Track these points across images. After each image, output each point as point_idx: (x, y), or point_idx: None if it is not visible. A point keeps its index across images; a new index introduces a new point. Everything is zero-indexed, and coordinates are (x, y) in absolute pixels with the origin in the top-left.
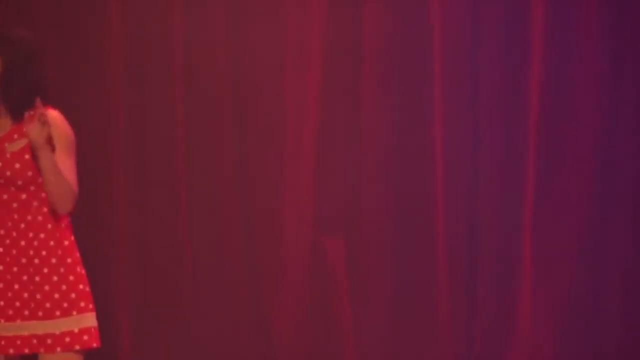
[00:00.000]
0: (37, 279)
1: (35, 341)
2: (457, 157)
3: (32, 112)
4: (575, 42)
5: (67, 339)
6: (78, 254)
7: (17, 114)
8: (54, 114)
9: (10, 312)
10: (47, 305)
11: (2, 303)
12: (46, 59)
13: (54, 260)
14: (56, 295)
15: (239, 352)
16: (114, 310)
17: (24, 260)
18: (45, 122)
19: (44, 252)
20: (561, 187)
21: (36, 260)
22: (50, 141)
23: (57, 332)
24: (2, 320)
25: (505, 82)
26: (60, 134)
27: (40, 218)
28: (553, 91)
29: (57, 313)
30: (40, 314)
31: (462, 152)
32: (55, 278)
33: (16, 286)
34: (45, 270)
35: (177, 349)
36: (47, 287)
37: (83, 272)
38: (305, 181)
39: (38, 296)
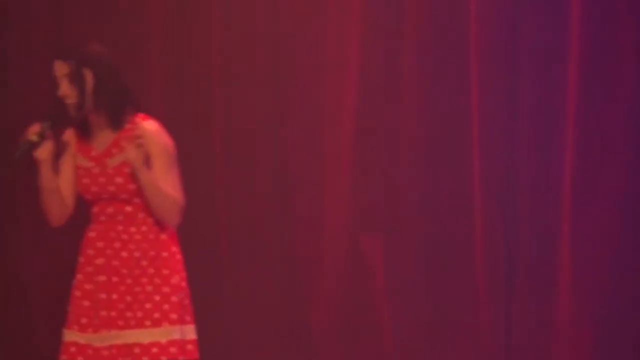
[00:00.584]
0: (136, 289)
1: (134, 350)
2: (494, 156)
3: (129, 126)
4: (614, 34)
5: (154, 350)
6: (180, 266)
7: (116, 123)
8: (151, 127)
9: (84, 320)
10: (139, 314)
11: (104, 313)
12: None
13: (151, 271)
14: (148, 305)
15: (279, 352)
16: None
17: (124, 271)
18: (140, 145)
19: (144, 263)
20: (600, 185)
21: (136, 271)
22: (146, 160)
23: (145, 342)
24: (72, 330)
25: (543, 80)
26: (159, 150)
27: (144, 228)
28: (592, 85)
29: (148, 323)
30: (132, 323)
31: (499, 151)
32: (149, 288)
33: (114, 296)
34: (144, 280)
35: (218, 351)
36: (141, 297)
37: (182, 284)
38: (343, 181)
39: (135, 306)
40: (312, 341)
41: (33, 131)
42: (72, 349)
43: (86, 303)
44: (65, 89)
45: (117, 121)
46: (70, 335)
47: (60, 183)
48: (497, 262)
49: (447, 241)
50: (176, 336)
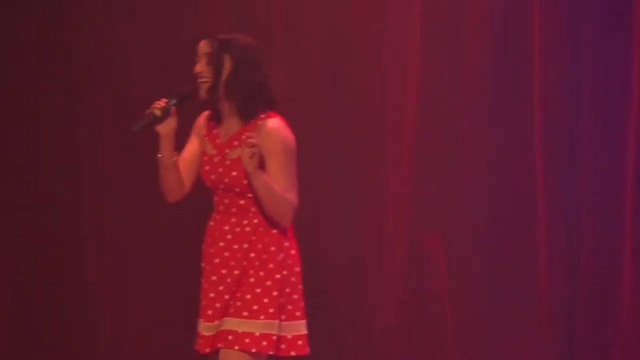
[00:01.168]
0: (242, 280)
1: (228, 336)
2: (557, 155)
3: (256, 122)
4: None
5: (247, 340)
6: (291, 261)
7: (244, 115)
8: (272, 125)
9: (210, 312)
10: (238, 304)
11: (204, 303)
12: (272, 70)
13: (257, 263)
14: (248, 297)
15: (341, 351)
16: None
17: (232, 263)
18: (254, 154)
19: (252, 255)
20: None
21: (244, 263)
22: (263, 159)
23: (239, 331)
24: (202, 320)
25: (606, 81)
26: (277, 149)
27: (255, 222)
28: None
29: (245, 314)
30: (231, 311)
31: (563, 150)
32: (252, 280)
33: (220, 288)
34: (251, 272)
35: None
36: (244, 288)
37: (291, 279)
38: (404, 181)
39: (237, 295)
40: (374, 342)
41: (158, 105)
42: (200, 341)
43: (212, 295)
44: (201, 67)
45: (245, 113)
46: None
47: (180, 162)
48: (560, 262)
49: (508, 241)
50: (271, 330)
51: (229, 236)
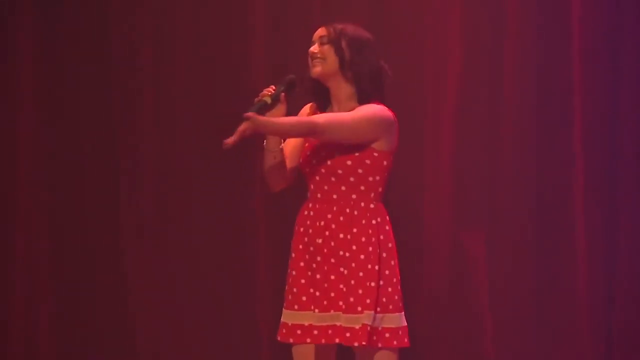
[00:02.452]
0: (345, 272)
1: (348, 334)
2: (597, 151)
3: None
4: None
5: (348, 334)
6: (391, 253)
7: (361, 98)
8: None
9: (325, 302)
10: (351, 299)
11: (317, 294)
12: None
13: (362, 256)
14: (360, 291)
15: None
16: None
17: (341, 253)
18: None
19: (354, 247)
20: None
21: (347, 254)
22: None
23: (357, 327)
24: (317, 311)
25: None
26: (364, 110)
27: (356, 212)
28: None
29: (359, 309)
30: (342, 306)
31: (602, 146)
32: (361, 274)
33: (332, 277)
34: (353, 265)
35: None
36: (352, 282)
37: (389, 271)
38: (444, 177)
39: (344, 289)
40: (414, 340)
41: (268, 93)
42: (298, 332)
43: (303, 281)
44: (316, 48)
45: (362, 99)
46: (293, 317)
47: (285, 151)
48: (599, 259)
49: (549, 238)
50: (368, 321)
51: (333, 225)
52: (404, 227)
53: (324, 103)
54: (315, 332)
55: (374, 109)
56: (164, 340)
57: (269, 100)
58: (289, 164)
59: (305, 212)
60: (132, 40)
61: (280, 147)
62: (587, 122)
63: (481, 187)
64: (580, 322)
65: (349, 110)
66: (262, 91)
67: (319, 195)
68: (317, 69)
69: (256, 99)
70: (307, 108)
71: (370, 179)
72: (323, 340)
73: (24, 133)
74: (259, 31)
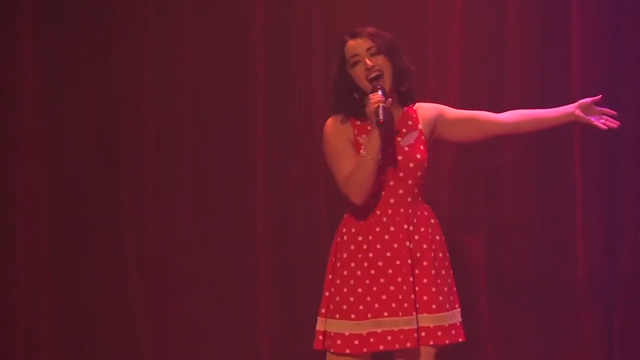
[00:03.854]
0: (416, 271)
1: (423, 334)
2: (596, 153)
3: (409, 109)
4: None
5: (439, 333)
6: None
7: (405, 102)
8: (427, 103)
9: (394, 305)
10: (424, 298)
11: (384, 297)
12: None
13: (440, 255)
14: (433, 289)
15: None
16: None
17: (418, 255)
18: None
19: (424, 246)
20: None
21: (418, 254)
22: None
23: (431, 326)
24: (386, 314)
25: None
26: (444, 107)
27: (426, 213)
28: None
29: (434, 307)
30: (417, 306)
31: (601, 148)
32: (443, 272)
33: (399, 279)
34: (425, 264)
35: None
36: (425, 280)
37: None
38: (444, 178)
39: (417, 288)
40: None
41: (381, 99)
42: (356, 342)
43: (360, 290)
44: (370, 61)
45: (411, 98)
46: (345, 327)
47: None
48: (599, 265)
49: (549, 238)
50: (457, 320)
51: (407, 226)
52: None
53: (363, 111)
54: (389, 337)
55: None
56: (166, 340)
57: (384, 104)
58: None
59: (383, 219)
60: (134, 39)
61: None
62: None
63: (481, 188)
64: (581, 323)
65: (395, 115)
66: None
67: (391, 201)
68: (384, 84)
69: (374, 108)
70: (333, 126)
71: (423, 178)
72: (397, 346)
73: (25, 132)
74: (260, 34)
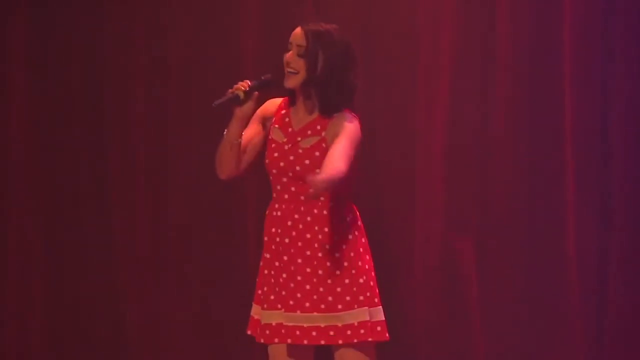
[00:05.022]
0: (320, 272)
1: (314, 333)
2: (588, 154)
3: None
4: None
5: (348, 332)
6: (364, 248)
7: (326, 110)
8: (345, 118)
9: (291, 302)
10: (330, 298)
11: (283, 293)
12: (357, 65)
13: (337, 254)
14: (338, 289)
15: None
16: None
17: (308, 253)
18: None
19: (327, 246)
20: None
21: (320, 254)
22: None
23: (340, 325)
24: (282, 310)
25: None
26: (346, 130)
27: (325, 212)
28: None
29: (339, 307)
30: (322, 306)
31: (593, 149)
32: (337, 272)
33: (299, 278)
34: (328, 264)
35: None
36: (329, 281)
37: (367, 266)
38: (436, 181)
39: (321, 289)
40: (405, 346)
41: (242, 87)
42: (267, 332)
43: (273, 280)
44: (292, 57)
45: (327, 110)
46: (262, 314)
47: (243, 143)
48: (590, 263)
49: (540, 241)
50: (365, 318)
51: (301, 225)
52: (395, 232)
53: (294, 106)
54: (283, 331)
55: (356, 128)
56: (158, 340)
57: (242, 95)
58: (246, 157)
59: (276, 213)
60: (125, 41)
61: (239, 140)
62: (578, 124)
63: (472, 192)
64: (572, 325)
65: (310, 116)
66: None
67: (285, 196)
68: (290, 83)
69: (230, 90)
70: (271, 105)
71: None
72: (289, 341)
73: (17, 132)
74: (252, 30)
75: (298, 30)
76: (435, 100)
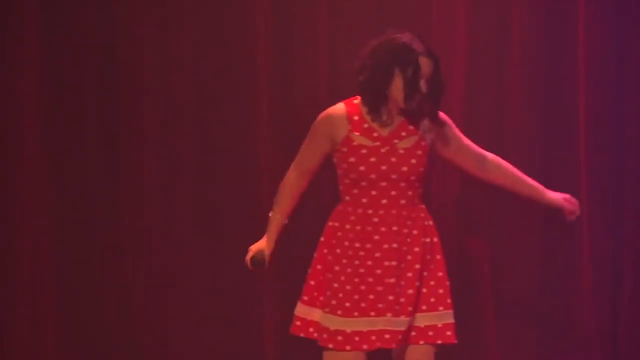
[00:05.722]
0: (409, 274)
1: (414, 333)
2: (601, 152)
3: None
4: None
5: (430, 333)
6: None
7: (433, 116)
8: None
9: (380, 305)
10: (432, 299)
11: (371, 297)
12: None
13: (427, 257)
14: (424, 290)
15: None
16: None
17: (409, 257)
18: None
19: (416, 249)
20: None
21: (409, 257)
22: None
23: (422, 326)
24: (372, 314)
25: None
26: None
27: (422, 215)
28: None
29: (424, 307)
30: (409, 309)
31: (606, 147)
32: (425, 273)
33: (386, 280)
34: (417, 267)
35: None
36: (417, 283)
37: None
38: (450, 180)
39: (410, 291)
40: None
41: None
42: (339, 338)
43: (363, 287)
44: (425, 86)
45: (434, 114)
46: (332, 321)
47: (315, 166)
48: (604, 263)
49: (553, 242)
50: (451, 320)
51: (405, 230)
52: None
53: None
54: (373, 337)
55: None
56: (169, 338)
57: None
58: (312, 177)
59: (374, 219)
60: (137, 42)
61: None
62: (592, 125)
63: (486, 191)
64: (585, 325)
65: (399, 118)
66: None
67: (383, 201)
68: (411, 105)
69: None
70: (335, 118)
71: (419, 183)
72: (379, 344)
73: (29, 135)
74: (264, 34)
75: (427, 60)
76: (450, 100)
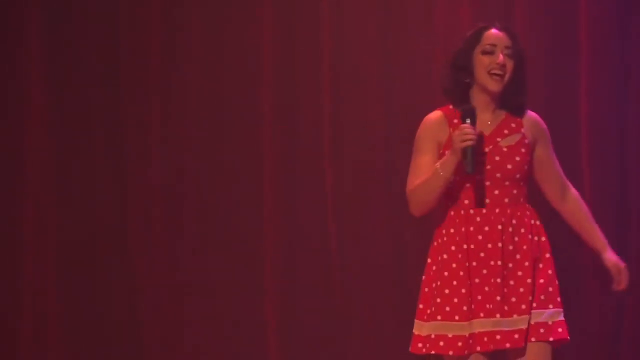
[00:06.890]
0: (519, 273)
1: (517, 335)
2: (604, 151)
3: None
4: None
5: (542, 330)
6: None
7: (518, 111)
8: (538, 117)
9: (490, 306)
10: (542, 297)
11: (479, 297)
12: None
13: (537, 255)
14: (550, 289)
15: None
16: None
17: (518, 256)
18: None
19: (525, 247)
20: None
21: (518, 256)
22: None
23: (532, 323)
24: (482, 315)
25: None
26: (548, 137)
27: (528, 213)
28: None
29: (534, 305)
30: (523, 307)
31: (609, 145)
32: (549, 271)
33: (493, 280)
34: (527, 264)
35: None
36: (529, 280)
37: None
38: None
39: (521, 289)
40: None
41: (469, 136)
42: (459, 344)
43: (464, 290)
44: (506, 60)
45: (519, 109)
46: (447, 328)
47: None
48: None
49: (554, 246)
50: (561, 318)
51: (510, 229)
52: (413, 230)
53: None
54: (485, 339)
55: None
56: (170, 338)
57: (473, 142)
58: None
59: (477, 219)
60: (141, 43)
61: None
62: (594, 124)
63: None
64: (590, 325)
65: (500, 116)
66: (457, 136)
67: (487, 201)
68: (499, 86)
69: (461, 147)
70: (433, 122)
71: (523, 181)
72: (492, 347)
73: (32, 134)
74: (267, 31)
75: (495, 31)
76: None
